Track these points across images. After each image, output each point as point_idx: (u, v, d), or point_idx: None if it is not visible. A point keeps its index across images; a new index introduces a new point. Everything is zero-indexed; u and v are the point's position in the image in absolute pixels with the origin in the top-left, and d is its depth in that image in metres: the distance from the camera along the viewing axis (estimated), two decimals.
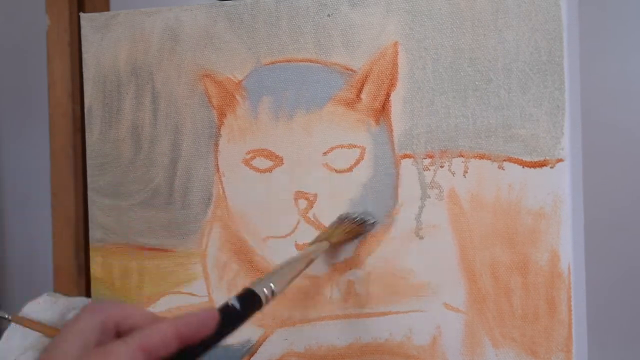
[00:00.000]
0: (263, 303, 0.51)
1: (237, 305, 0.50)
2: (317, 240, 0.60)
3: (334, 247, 0.61)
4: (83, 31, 0.69)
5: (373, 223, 0.62)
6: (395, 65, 0.61)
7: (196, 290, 0.66)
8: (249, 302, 0.51)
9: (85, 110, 0.69)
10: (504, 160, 0.59)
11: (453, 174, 0.60)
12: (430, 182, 0.60)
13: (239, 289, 0.65)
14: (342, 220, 0.62)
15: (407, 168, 0.61)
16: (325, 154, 0.63)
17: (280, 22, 0.64)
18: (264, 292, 0.51)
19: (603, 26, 0.95)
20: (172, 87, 0.67)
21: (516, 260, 0.59)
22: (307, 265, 0.57)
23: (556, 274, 0.58)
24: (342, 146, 0.62)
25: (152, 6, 0.67)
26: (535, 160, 0.58)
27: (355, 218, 0.62)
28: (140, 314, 0.47)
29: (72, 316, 0.89)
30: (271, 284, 0.52)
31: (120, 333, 0.46)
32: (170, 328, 0.45)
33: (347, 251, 0.62)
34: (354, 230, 0.61)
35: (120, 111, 0.68)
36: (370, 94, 0.62)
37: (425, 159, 0.60)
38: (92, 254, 0.69)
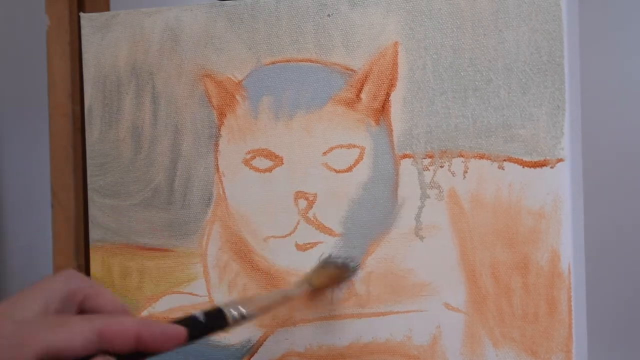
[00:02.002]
0: (229, 324, 0.52)
1: (202, 320, 0.50)
2: (300, 281, 0.61)
3: (315, 291, 0.62)
4: (83, 31, 0.69)
5: (355, 268, 0.62)
6: (395, 65, 0.61)
7: (196, 290, 0.66)
8: (215, 320, 0.51)
9: (85, 110, 0.69)
10: (504, 160, 0.59)
11: (453, 174, 0.60)
12: (430, 182, 0.60)
13: (239, 288, 0.65)
14: (324, 263, 0.62)
15: (407, 168, 0.61)
16: (325, 154, 0.63)
17: (281, 22, 0.64)
18: (232, 313, 0.52)
19: (603, 26, 0.95)
20: (172, 87, 0.67)
21: (516, 260, 0.59)
22: (284, 301, 0.58)
23: (556, 274, 0.58)
24: (341, 146, 0.62)
25: (152, 6, 0.67)
26: (535, 160, 0.58)
27: (338, 262, 0.62)
28: (109, 299, 0.47)
29: None
30: (241, 307, 0.53)
31: (83, 310, 0.46)
32: (133, 327, 0.45)
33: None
34: (336, 275, 0.62)
35: (120, 111, 0.68)
36: (370, 94, 0.62)
37: (425, 159, 0.60)
38: (92, 254, 0.69)
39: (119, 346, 0.44)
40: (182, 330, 0.47)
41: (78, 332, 0.43)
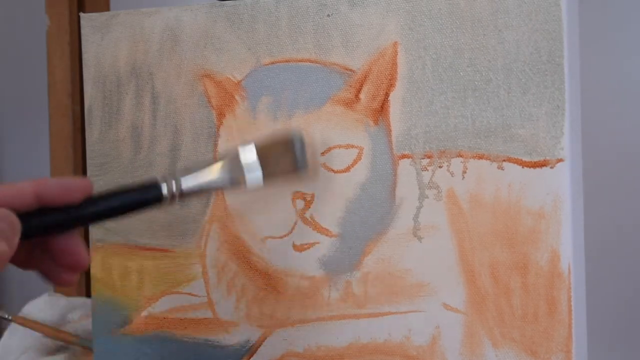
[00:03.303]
0: (164, 198, 0.49)
1: (127, 189, 0.48)
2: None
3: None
4: (83, 31, 0.69)
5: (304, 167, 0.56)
6: (394, 65, 0.61)
7: (195, 290, 0.66)
8: (146, 191, 0.49)
9: (85, 110, 0.69)
10: (504, 160, 0.59)
11: (452, 174, 0.60)
12: (429, 182, 0.60)
13: (237, 288, 0.65)
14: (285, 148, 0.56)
15: (405, 168, 0.61)
16: (323, 154, 0.63)
17: (280, 23, 0.64)
18: (171, 186, 0.49)
19: (603, 26, 0.95)
20: (172, 87, 0.67)
21: (516, 261, 0.59)
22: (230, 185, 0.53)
23: (556, 274, 0.58)
24: (340, 146, 0.62)
25: (152, 6, 0.67)
26: (535, 161, 0.58)
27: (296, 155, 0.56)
28: None
29: (73, 317, 0.89)
30: (181, 181, 0.50)
31: None
32: (28, 184, 0.46)
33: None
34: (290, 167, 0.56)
35: (120, 111, 0.68)
36: (369, 94, 0.62)
37: (423, 159, 0.60)
38: (92, 254, 0.69)
39: (21, 203, 0.45)
40: (86, 181, 0.47)
41: None
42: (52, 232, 0.48)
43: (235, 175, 0.54)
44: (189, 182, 0.51)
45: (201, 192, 0.53)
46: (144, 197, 0.49)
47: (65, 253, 0.48)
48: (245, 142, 0.56)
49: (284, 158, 0.56)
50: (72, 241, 0.49)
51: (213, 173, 0.53)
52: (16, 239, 0.44)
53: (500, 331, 0.59)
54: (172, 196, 0.50)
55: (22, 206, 0.45)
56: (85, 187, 0.48)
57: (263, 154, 0.55)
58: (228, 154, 0.55)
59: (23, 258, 0.49)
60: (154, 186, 0.50)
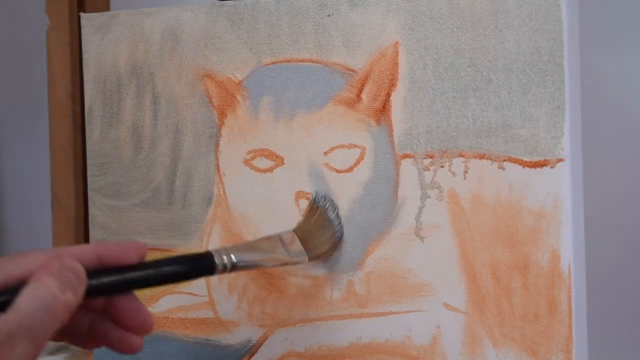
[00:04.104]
0: (216, 270, 0.52)
1: (183, 257, 0.51)
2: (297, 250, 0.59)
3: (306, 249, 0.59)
4: (83, 31, 0.69)
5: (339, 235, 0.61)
6: (395, 65, 0.61)
7: (196, 290, 0.66)
8: (199, 262, 0.51)
9: (86, 110, 0.69)
10: (504, 160, 0.59)
11: (453, 174, 0.60)
12: (431, 182, 0.60)
13: (239, 289, 0.65)
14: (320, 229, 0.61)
15: (408, 168, 0.61)
16: (326, 153, 0.63)
17: (281, 22, 0.64)
18: (222, 260, 0.52)
19: (603, 26, 0.96)
20: (173, 87, 0.67)
21: (516, 260, 0.59)
22: (276, 262, 0.57)
23: (556, 274, 0.58)
24: (342, 146, 0.62)
25: (152, 6, 0.67)
26: (535, 160, 0.58)
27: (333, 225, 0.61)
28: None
29: None
30: (232, 257, 0.52)
31: None
32: (90, 246, 0.49)
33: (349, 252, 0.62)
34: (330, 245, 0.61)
35: (121, 111, 0.68)
36: (371, 94, 0.62)
37: (425, 159, 0.61)
38: None
39: (82, 262, 0.47)
40: (141, 244, 0.50)
41: (37, 258, 0.45)
42: (114, 292, 0.49)
43: (284, 256, 0.58)
44: (240, 257, 0.53)
45: (251, 267, 0.56)
46: (197, 268, 0.52)
47: (131, 313, 0.49)
48: (287, 231, 0.59)
49: (325, 233, 0.60)
50: (134, 303, 0.50)
51: (263, 252, 0.57)
52: (82, 290, 0.45)
53: (500, 331, 0.59)
54: (224, 269, 0.52)
55: (86, 264, 0.47)
56: (141, 249, 0.50)
57: (305, 236, 0.59)
58: (277, 236, 0.58)
59: (87, 329, 0.50)
60: (208, 259, 0.52)
